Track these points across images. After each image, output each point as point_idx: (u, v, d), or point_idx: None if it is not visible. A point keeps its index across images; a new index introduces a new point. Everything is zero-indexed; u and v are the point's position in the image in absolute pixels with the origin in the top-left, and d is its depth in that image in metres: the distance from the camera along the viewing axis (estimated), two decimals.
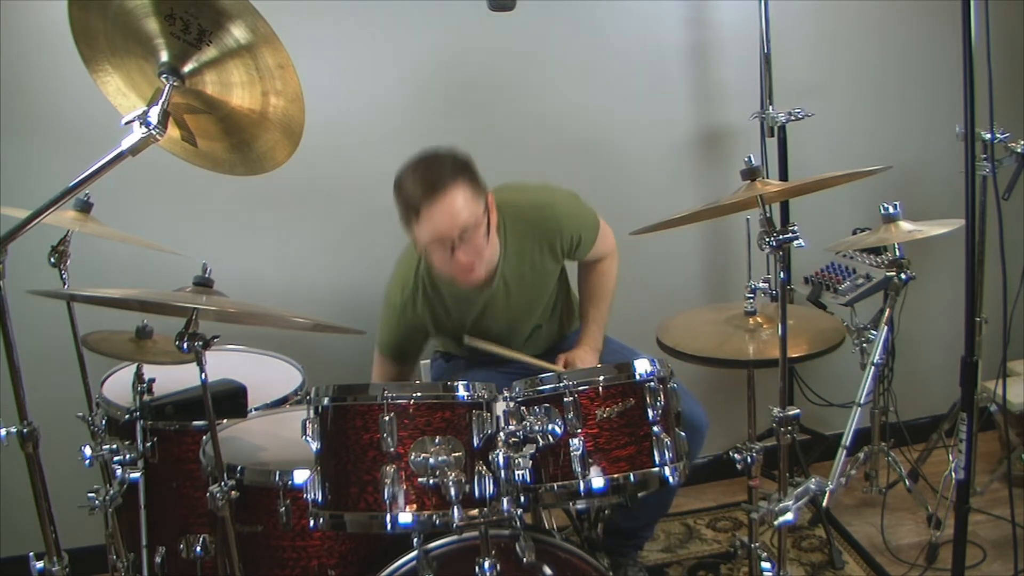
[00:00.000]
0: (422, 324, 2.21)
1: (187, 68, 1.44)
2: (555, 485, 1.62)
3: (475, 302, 2.18)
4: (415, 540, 1.70)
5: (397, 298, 2.19)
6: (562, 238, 2.19)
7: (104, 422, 2.03)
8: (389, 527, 1.55)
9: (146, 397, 1.95)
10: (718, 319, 1.99)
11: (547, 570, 1.66)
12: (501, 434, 1.59)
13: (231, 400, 1.95)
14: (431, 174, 1.93)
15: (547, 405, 1.62)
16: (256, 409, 2.07)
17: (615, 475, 1.62)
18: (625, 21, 2.75)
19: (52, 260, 1.96)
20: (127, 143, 1.37)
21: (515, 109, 2.73)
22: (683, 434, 1.73)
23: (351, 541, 1.79)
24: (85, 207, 2.00)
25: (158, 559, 2.00)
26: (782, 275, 1.70)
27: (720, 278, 2.99)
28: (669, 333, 1.97)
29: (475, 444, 1.60)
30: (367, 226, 2.70)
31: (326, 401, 1.62)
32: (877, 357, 2.51)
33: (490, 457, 1.58)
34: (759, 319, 1.93)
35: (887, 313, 2.48)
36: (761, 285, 1.86)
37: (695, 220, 1.92)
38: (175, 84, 1.43)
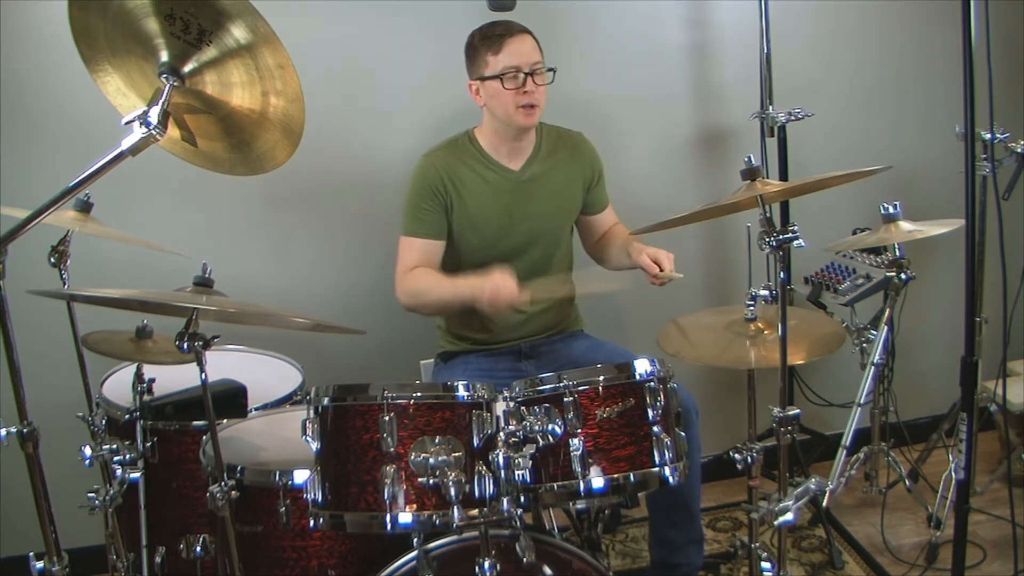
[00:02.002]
0: (444, 188, 2.30)
1: (187, 68, 1.44)
2: (555, 485, 1.62)
3: (504, 187, 2.32)
4: (415, 540, 1.70)
5: (424, 159, 2.36)
6: (592, 166, 2.46)
7: (104, 422, 2.03)
8: (389, 527, 1.55)
9: (146, 397, 1.95)
10: (719, 324, 1.98)
11: (547, 570, 1.66)
12: (501, 434, 1.60)
13: (231, 400, 1.94)
14: (510, 22, 2.28)
15: (547, 405, 1.62)
16: (256, 409, 2.07)
17: (615, 475, 1.62)
18: (625, 21, 2.75)
19: (52, 260, 1.96)
20: (127, 143, 1.37)
21: None
22: (683, 434, 1.73)
23: (351, 541, 1.79)
24: (85, 207, 2.00)
25: (158, 559, 1.99)
26: (782, 275, 1.70)
27: (721, 279, 2.99)
28: (669, 339, 1.96)
29: (475, 444, 1.60)
30: (367, 226, 2.70)
31: (326, 401, 1.62)
32: (877, 357, 2.51)
33: (490, 457, 1.58)
34: (760, 324, 1.92)
35: (887, 313, 2.48)
36: (762, 293, 1.86)
37: (695, 220, 1.92)
38: (175, 84, 1.43)
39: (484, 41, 2.23)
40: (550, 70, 2.24)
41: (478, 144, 2.35)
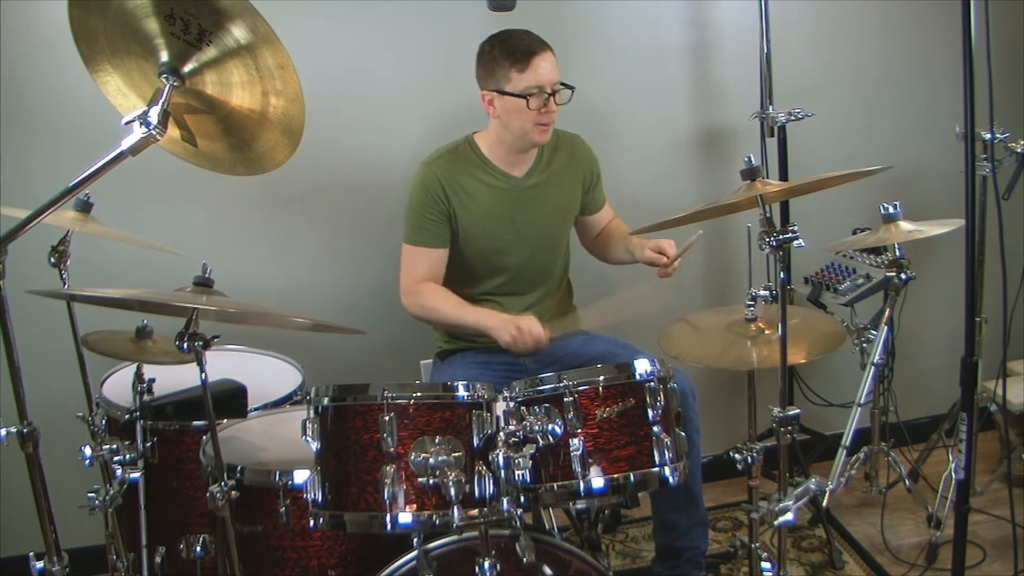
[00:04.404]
0: (446, 196, 2.28)
1: (187, 68, 1.44)
2: (555, 485, 1.62)
3: (507, 194, 2.32)
4: (415, 540, 1.70)
5: (424, 167, 2.33)
6: (590, 169, 2.46)
7: (104, 422, 2.03)
8: (389, 527, 1.55)
9: (146, 397, 1.95)
10: (719, 325, 1.98)
11: (547, 570, 1.66)
12: (501, 434, 1.60)
13: (231, 400, 1.95)
14: (534, 36, 2.23)
15: (547, 405, 1.62)
16: (256, 409, 2.07)
17: (615, 475, 1.62)
18: (625, 21, 2.75)
19: (52, 260, 1.96)
20: (127, 143, 1.38)
21: None
22: (683, 434, 1.73)
23: (351, 541, 1.80)
24: (85, 207, 2.00)
25: (158, 559, 2.00)
26: (782, 275, 1.70)
27: (721, 279, 2.99)
28: (671, 340, 1.96)
29: (475, 444, 1.60)
30: (367, 226, 2.70)
31: (326, 401, 1.63)
32: (877, 357, 2.51)
33: (490, 457, 1.58)
34: (761, 324, 1.92)
35: (887, 313, 2.49)
36: (762, 293, 1.86)
37: (695, 220, 1.92)
38: (175, 84, 1.43)
39: (508, 56, 2.18)
40: (568, 87, 2.23)
41: (479, 151, 2.34)
